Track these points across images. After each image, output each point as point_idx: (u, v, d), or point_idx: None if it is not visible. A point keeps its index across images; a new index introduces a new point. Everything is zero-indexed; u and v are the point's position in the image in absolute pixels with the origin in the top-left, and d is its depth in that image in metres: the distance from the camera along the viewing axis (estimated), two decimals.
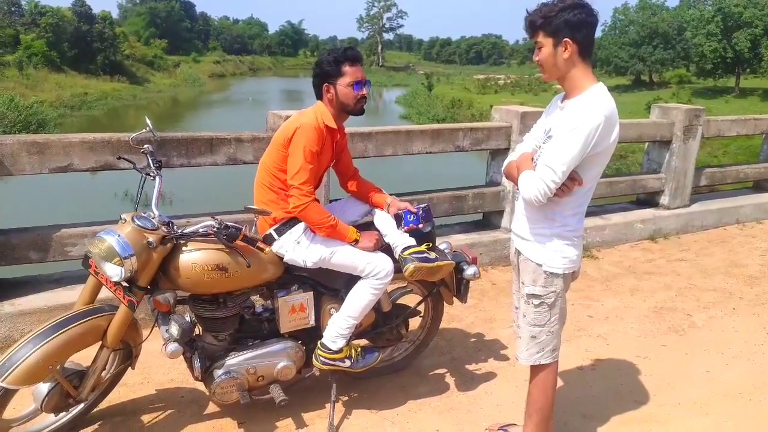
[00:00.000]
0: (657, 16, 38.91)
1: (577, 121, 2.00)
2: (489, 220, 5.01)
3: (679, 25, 36.91)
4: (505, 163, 2.35)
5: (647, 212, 5.75)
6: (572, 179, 2.09)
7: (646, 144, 6.03)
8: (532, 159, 2.19)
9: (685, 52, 36.70)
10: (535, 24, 2.07)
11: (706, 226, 5.98)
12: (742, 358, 3.51)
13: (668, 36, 37.31)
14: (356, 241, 2.57)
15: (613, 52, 39.93)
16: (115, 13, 60.89)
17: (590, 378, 3.23)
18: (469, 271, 2.89)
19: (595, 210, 5.76)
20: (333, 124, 2.58)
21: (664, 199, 5.81)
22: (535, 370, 2.36)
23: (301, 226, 2.55)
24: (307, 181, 2.46)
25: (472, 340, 3.60)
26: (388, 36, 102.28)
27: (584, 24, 2.03)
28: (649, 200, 5.93)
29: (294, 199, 2.47)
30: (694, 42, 33.43)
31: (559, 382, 3.15)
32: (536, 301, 2.26)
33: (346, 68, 2.52)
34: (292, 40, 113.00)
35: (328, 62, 2.53)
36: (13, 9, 43.99)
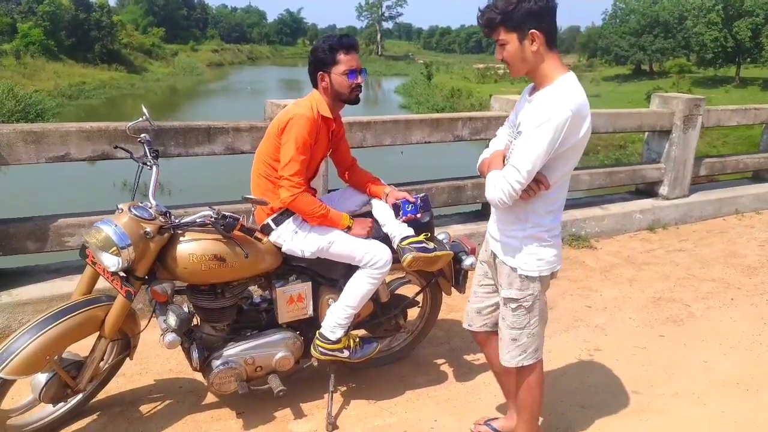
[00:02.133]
0: (658, 5, 38.71)
1: (543, 117, 1.88)
2: (488, 210, 4.98)
3: (679, 14, 36.68)
4: (479, 160, 2.25)
5: (646, 202, 5.74)
6: (538, 182, 1.98)
7: (646, 134, 6.02)
8: (504, 157, 2.08)
9: (685, 41, 36.52)
10: (493, 21, 1.93)
11: (705, 217, 5.98)
12: (740, 348, 3.51)
13: (669, 25, 37.12)
14: (349, 228, 2.56)
15: (614, 42, 39.76)
16: (112, 1, 60.39)
17: (588, 368, 3.23)
18: (468, 261, 2.88)
19: (594, 200, 5.76)
20: (328, 113, 2.56)
21: (663, 190, 5.80)
22: (520, 371, 2.31)
23: (298, 216, 2.54)
24: (297, 173, 2.44)
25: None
26: (388, 25, 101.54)
27: (546, 11, 1.91)
28: (648, 190, 5.92)
29: (283, 190, 2.46)
30: (695, 31, 33.23)
31: (557, 372, 3.16)
32: (513, 305, 2.19)
33: (341, 56, 2.49)
34: (291, 28, 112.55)
35: (323, 50, 2.51)
36: None
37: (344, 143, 2.87)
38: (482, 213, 5.05)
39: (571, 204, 5.52)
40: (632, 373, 3.19)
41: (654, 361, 3.33)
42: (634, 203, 5.71)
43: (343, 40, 2.51)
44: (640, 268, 4.70)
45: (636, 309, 3.98)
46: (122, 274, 2.29)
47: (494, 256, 2.25)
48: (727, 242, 5.37)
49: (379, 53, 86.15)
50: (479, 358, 3.28)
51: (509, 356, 2.27)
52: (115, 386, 2.74)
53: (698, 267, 4.76)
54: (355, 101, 2.59)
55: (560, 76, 1.96)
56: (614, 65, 42.06)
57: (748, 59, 33.27)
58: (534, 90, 2.05)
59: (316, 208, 2.50)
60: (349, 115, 3.52)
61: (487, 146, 2.29)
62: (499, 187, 1.96)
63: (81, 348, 2.39)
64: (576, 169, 6.37)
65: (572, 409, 2.85)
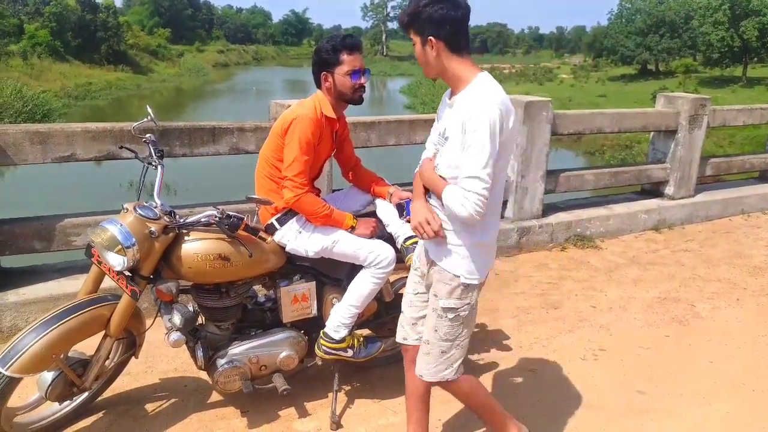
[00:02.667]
0: (664, 4, 38.62)
1: (476, 118, 1.84)
2: None
3: (686, 13, 36.60)
4: (415, 175, 2.16)
5: (652, 202, 5.72)
6: (434, 231, 1.98)
7: (651, 134, 6.00)
8: (434, 166, 2.04)
9: (692, 41, 36.42)
10: (403, 22, 1.96)
11: (711, 217, 5.95)
12: (745, 348, 3.50)
13: (675, 25, 37.02)
14: (353, 228, 2.57)
15: (620, 41, 39.68)
16: (118, 2, 60.67)
17: (592, 368, 3.23)
18: None
19: (599, 200, 5.75)
20: (332, 114, 2.57)
21: (668, 189, 5.78)
22: (445, 386, 2.22)
23: (302, 215, 2.55)
24: (300, 173, 2.45)
25: (474, 329, 3.59)
26: (393, 25, 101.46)
27: (447, 19, 1.87)
28: (653, 190, 5.91)
29: (287, 191, 2.47)
30: (701, 31, 33.13)
31: (562, 373, 3.16)
32: (451, 315, 2.09)
33: (345, 56, 2.49)
34: (296, 29, 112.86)
35: (326, 50, 2.51)
36: None
37: (348, 143, 2.87)
38: None
39: (576, 204, 5.52)
40: (637, 374, 3.18)
41: (659, 361, 3.32)
42: (639, 203, 5.70)
43: (347, 41, 2.51)
44: (645, 268, 4.69)
45: (641, 309, 3.97)
46: (127, 273, 2.30)
47: (431, 264, 2.13)
48: (733, 242, 5.35)
49: (384, 53, 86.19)
50: (483, 357, 3.28)
51: (435, 370, 2.15)
52: (120, 385, 2.76)
53: (704, 267, 4.74)
54: (358, 101, 2.60)
55: (475, 77, 1.94)
56: (620, 65, 41.98)
57: (755, 59, 33.13)
58: (452, 94, 2.02)
59: (320, 208, 2.50)
60: (353, 115, 3.53)
61: (419, 161, 2.19)
62: (469, 201, 1.86)
63: (87, 347, 2.40)
64: (581, 169, 6.32)
65: (577, 410, 2.84)
